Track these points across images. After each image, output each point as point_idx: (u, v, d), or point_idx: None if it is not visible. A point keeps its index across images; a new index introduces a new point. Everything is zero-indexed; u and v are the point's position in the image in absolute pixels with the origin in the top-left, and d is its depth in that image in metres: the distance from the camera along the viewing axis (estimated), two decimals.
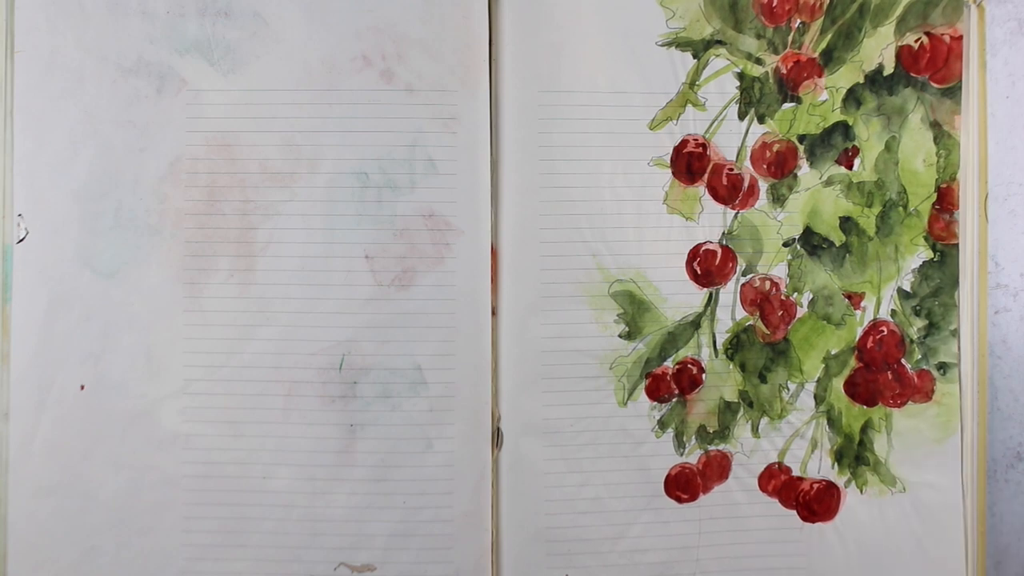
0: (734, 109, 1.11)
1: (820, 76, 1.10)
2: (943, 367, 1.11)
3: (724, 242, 1.10)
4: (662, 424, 1.11)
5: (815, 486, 1.12)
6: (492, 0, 1.09)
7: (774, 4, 1.10)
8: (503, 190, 1.08)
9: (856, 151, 1.11)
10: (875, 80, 1.10)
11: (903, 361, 1.12)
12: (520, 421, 1.08)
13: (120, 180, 1.07)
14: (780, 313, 1.11)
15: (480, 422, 1.08)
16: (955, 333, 1.12)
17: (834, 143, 1.11)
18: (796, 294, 1.11)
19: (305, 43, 1.08)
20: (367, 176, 1.08)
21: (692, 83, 1.10)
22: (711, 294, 1.10)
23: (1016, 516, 1.14)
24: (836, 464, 1.12)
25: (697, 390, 1.11)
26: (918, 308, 1.11)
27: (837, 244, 1.11)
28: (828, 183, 1.11)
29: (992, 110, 1.13)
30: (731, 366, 1.11)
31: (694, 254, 1.10)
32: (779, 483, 1.12)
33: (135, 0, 1.08)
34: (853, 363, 1.12)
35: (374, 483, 1.08)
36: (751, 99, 1.10)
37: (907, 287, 1.11)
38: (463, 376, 1.08)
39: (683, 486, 1.11)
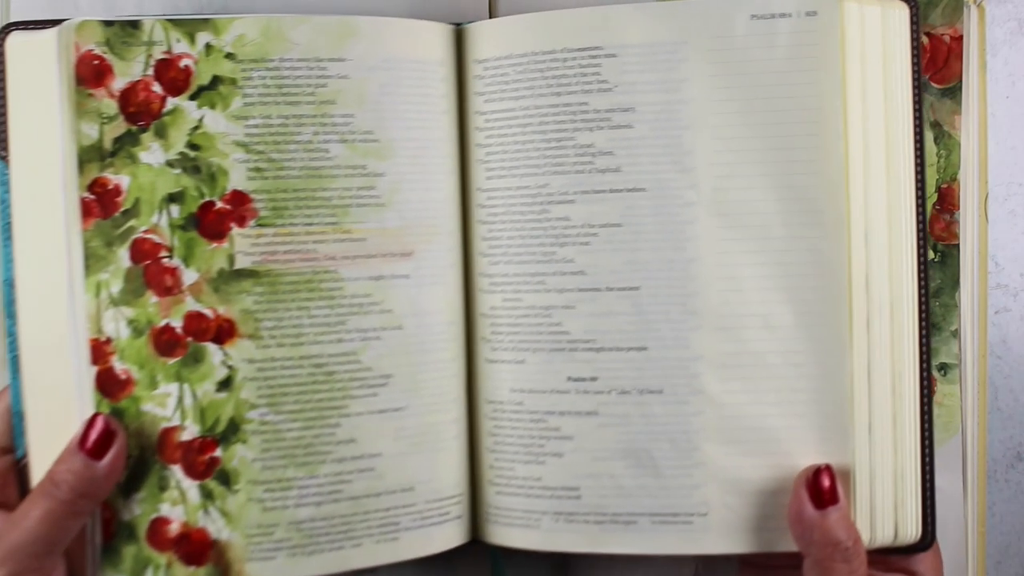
0: None
1: None
2: (944, 368, 1.12)
3: None
4: None
5: None
6: (492, 1, 1.11)
7: None
8: None
9: None
10: None
11: None
12: None
13: None
14: None
15: None
16: (956, 334, 1.11)
17: None
18: None
19: None
20: None
21: None
22: None
23: (1016, 516, 1.15)
24: None
25: None
26: None
27: None
28: None
29: (992, 110, 1.13)
30: None
31: None
32: None
33: (131, 1, 1.09)
34: None
35: None
36: None
37: None
38: None
39: None
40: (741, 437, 0.97)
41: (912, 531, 0.99)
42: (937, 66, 1.10)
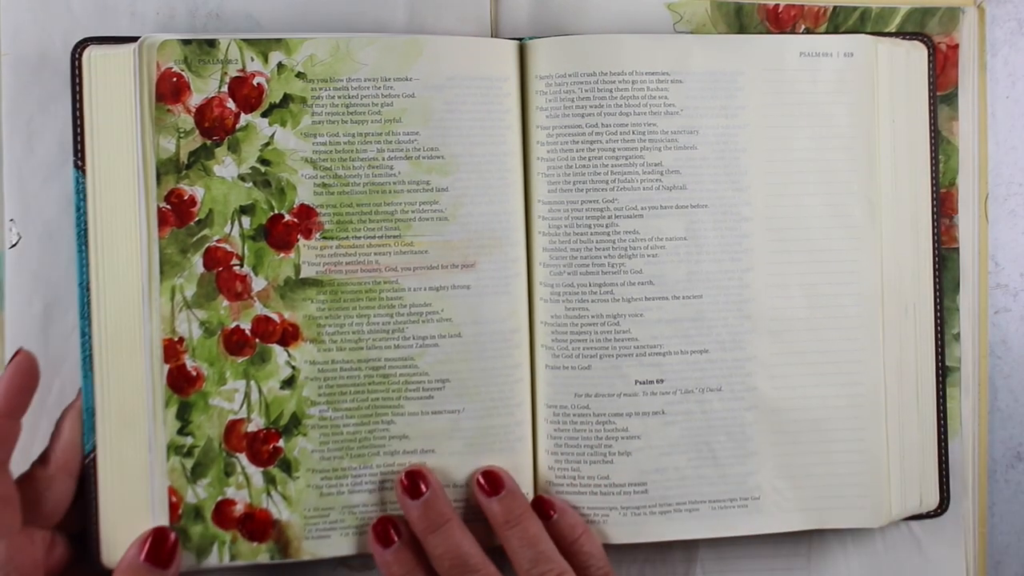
0: None
1: None
2: (946, 371, 1.16)
3: None
4: None
5: None
6: (495, 5, 1.15)
7: (779, 10, 1.16)
8: None
9: None
10: None
11: None
12: None
13: None
14: None
15: None
16: (957, 337, 1.18)
17: None
18: None
19: None
20: None
21: None
22: None
23: (1016, 516, 1.20)
24: None
25: None
26: None
27: None
28: None
29: (992, 110, 1.19)
30: None
31: None
32: None
33: (124, 1, 1.11)
34: None
35: None
36: None
37: None
38: None
39: None
40: (787, 427, 1.11)
41: (933, 499, 1.14)
42: (935, 74, 1.16)
